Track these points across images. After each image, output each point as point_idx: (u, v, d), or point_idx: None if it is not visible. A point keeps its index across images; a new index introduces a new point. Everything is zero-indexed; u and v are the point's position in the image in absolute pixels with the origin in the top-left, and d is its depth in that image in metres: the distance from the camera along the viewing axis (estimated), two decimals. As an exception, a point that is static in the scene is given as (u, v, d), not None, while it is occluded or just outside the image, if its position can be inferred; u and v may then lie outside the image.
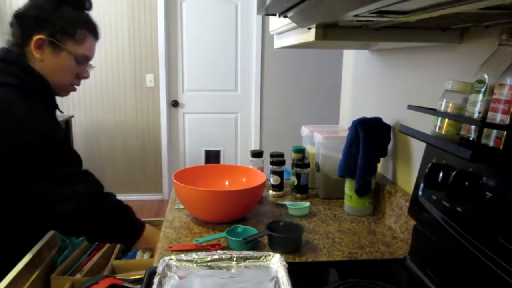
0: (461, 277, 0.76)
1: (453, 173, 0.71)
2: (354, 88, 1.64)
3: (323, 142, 1.38)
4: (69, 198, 1.08)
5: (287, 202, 1.34)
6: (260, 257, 0.87)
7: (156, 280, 0.78)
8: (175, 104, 3.90)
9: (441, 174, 0.76)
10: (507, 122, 0.61)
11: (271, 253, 0.88)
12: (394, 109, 1.29)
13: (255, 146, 4.00)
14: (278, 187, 1.45)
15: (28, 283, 1.05)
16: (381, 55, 1.39)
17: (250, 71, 3.89)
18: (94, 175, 1.18)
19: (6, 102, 1.06)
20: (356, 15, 0.67)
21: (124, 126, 3.89)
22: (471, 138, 0.69)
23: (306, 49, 3.43)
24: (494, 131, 0.63)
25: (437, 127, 0.78)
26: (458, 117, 0.74)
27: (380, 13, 0.65)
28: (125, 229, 1.22)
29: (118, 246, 1.31)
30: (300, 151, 1.47)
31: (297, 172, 1.41)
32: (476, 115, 0.69)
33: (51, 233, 1.24)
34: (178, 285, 0.80)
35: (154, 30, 3.72)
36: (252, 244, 1.03)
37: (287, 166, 1.51)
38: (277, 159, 1.45)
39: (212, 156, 4.02)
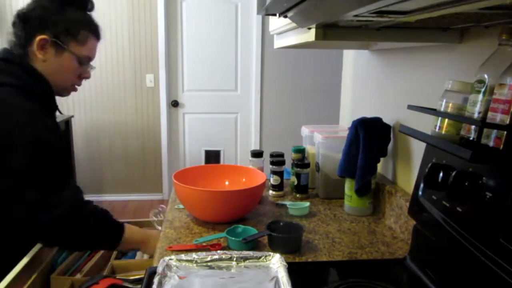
0: (461, 277, 0.76)
1: (453, 173, 0.71)
2: (354, 88, 1.64)
3: (323, 142, 1.38)
4: (51, 207, 1.06)
5: (287, 202, 1.34)
6: (260, 257, 0.87)
7: (156, 280, 0.78)
8: (175, 104, 3.90)
9: (441, 174, 0.76)
10: (507, 122, 0.61)
11: (271, 253, 0.88)
12: (394, 109, 1.29)
13: (255, 146, 4.00)
14: (278, 187, 1.45)
15: (28, 283, 1.05)
16: (381, 55, 1.39)
17: (250, 71, 3.89)
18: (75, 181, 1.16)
19: (6, 102, 1.06)
20: (356, 15, 0.67)
21: (124, 126, 3.89)
22: (471, 138, 0.69)
23: (306, 49, 3.43)
24: (494, 131, 0.63)
25: (437, 127, 0.78)
26: (458, 117, 0.74)
27: (380, 13, 0.65)
28: (106, 233, 1.19)
29: None
30: (300, 151, 1.47)
31: (297, 172, 1.41)
32: (476, 115, 0.69)
33: None
34: (178, 285, 0.80)
35: (154, 30, 3.72)
36: (252, 244, 1.03)
37: (287, 166, 1.51)
38: (277, 159, 1.45)
39: (212, 156, 4.02)
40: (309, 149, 1.50)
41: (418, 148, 1.13)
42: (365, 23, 0.83)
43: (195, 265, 0.86)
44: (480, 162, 0.66)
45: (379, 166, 1.35)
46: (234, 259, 0.87)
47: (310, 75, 3.93)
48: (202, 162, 3.99)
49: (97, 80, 3.76)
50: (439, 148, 0.69)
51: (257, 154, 1.46)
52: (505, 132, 0.61)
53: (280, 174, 1.44)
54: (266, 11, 0.86)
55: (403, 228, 1.11)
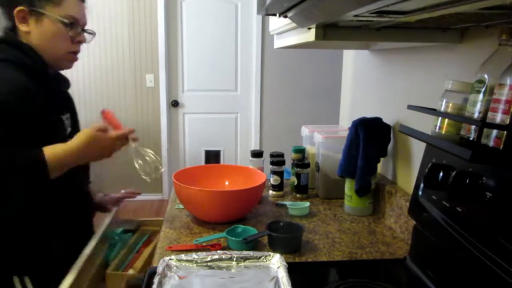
0: (461, 277, 0.76)
1: (453, 173, 0.71)
2: (354, 88, 1.64)
3: (323, 142, 1.38)
4: None
5: (287, 202, 1.34)
6: (260, 257, 0.88)
7: (156, 280, 0.78)
8: (175, 104, 3.90)
9: (441, 174, 0.76)
10: (507, 122, 0.61)
11: (271, 253, 0.88)
12: (394, 109, 1.29)
13: (255, 146, 4.00)
14: (278, 187, 1.45)
15: (88, 279, 1.07)
16: (381, 55, 1.39)
17: (250, 71, 3.89)
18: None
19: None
20: (356, 15, 0.67)
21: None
22: (471, 138, 0.69)
23: (306, 49, 3.43)
24: (494, 131, 0.63)
25: (437, 127, 0.78)
26: (458, 117, 0.74)
27: (380, 13, 0.65)
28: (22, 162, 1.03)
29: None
30: (300, 151, 1.47)
31: (297, 172, 1.41)
32: (476, 115, 0.69)
33: (102, 229, 1.26)
34: (178, 285, 0.80)
35: (154, 30, 3.72)
36: (252, 244, 1.03)
37: (287, 166, 1.51)
38: (277, 159, 1.45)
39: (212, 156, 4.02)
40: (309, 149, 1.50)
41: (418, 148, 1.13)
42: (365, 23, 0.83)
43: (195, 265, 0.86)
44: (480, 162, 0.66)
45: (379, 166, 1.35)
46: (234, 259, 0.87)
47: (310, 75, 3.92)
48: (202, 162, 3.99)
49: (97, 80, 3.76)
50: (439, 148, 0.69)
51: (257, 154, 1.46)
52: (505, 132, 0.61)
53: (280, 174, 1.44)
54: (266, 11, 0.86)
55: (403, 228, 1.11)
